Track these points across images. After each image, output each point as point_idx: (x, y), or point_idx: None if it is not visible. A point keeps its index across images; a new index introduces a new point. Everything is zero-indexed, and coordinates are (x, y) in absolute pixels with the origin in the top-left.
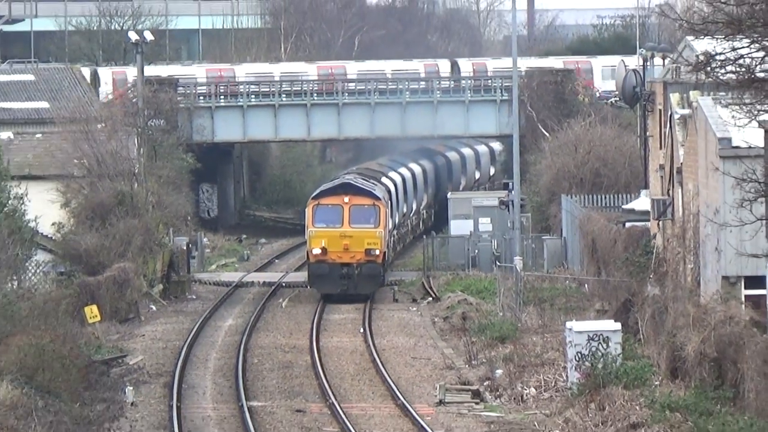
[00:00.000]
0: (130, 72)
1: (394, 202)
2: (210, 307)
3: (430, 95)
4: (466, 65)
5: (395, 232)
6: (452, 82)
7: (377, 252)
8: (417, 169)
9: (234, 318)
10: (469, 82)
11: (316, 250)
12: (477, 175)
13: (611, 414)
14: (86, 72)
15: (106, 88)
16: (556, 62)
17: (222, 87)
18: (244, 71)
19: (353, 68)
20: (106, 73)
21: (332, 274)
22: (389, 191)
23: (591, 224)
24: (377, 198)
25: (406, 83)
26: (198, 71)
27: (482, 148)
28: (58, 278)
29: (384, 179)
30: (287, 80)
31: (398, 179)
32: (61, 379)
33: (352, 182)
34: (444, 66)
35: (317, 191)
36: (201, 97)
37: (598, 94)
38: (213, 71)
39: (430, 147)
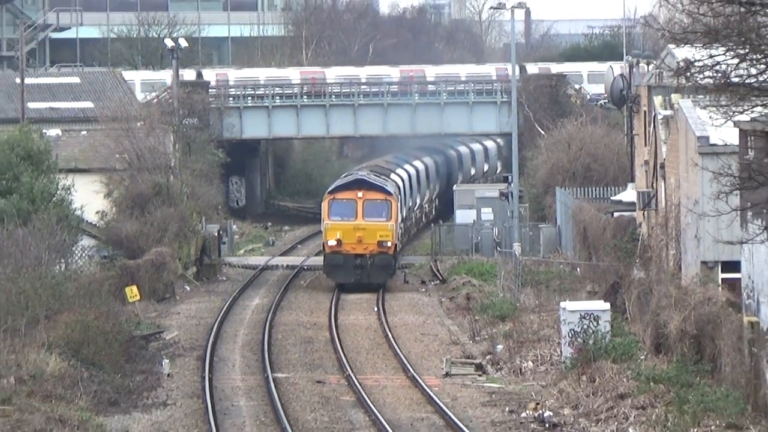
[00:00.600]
0: (232, 74)
1: (402, 196)
2: (239, 287)
3: (437, 97)
4: (532, 68)
5: (402, 224)
6: (456, 86)
7: (389, 244)
8: (421, 165)
9: (260, 298)
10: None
11: (332, 242)
12: (473, 171)
13: (601, 385)
14: (191, 73)
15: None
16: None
17: (308, 87)
18: (334, 74)
19: (432, 71)
20: (210, 75)
21: (347, 264)
22: (398, 186)
23: (582, 214)
24: (389, 193)
25: (415, 86)
26: (293, 74)
27: (478, 147)
28: (102, 261)
29: (393, 175)
30: (373, 83)
31: (405, 175)
32: (104, 352)
33: (365, 178)
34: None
35: (332, 186)
36: (230, 98)
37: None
38: (306, 74)
39: (433, 145)
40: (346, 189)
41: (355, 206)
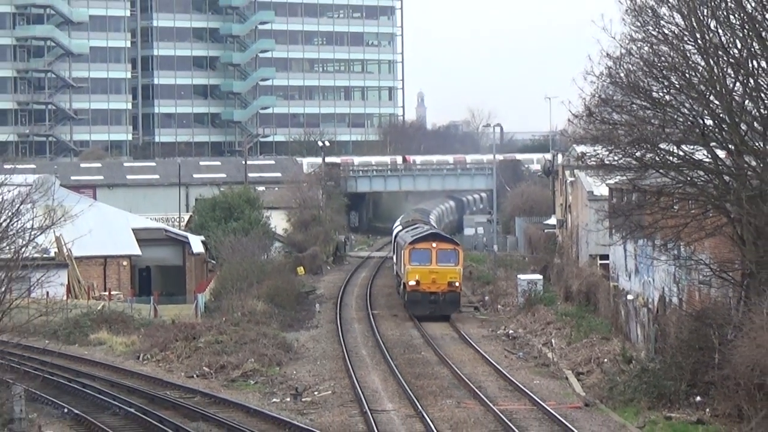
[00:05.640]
0: (353, 159)
1: (440, 221)
2: (354, 268)
3: (455, 172)
4: (504, 157)
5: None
6: (467, 166)
7: (457, 284)
8: (450, 204)
9: (366, 272)
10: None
11: (412, 282)
12: (479, 207)
13: (538, 317)
14: (333, 159)
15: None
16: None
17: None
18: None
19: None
20: (340, 159)
21: (423, 300)
22: (438, 218)
23: (530, 230)
24: (457, 244)
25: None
26: (384, 159)
27: (476, 196)
28: (285, 254)
29: (434, 211)
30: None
31: (441, 209)
32: (286, 300)
33: (438, 233)
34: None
35: (412, 239)
36: (351, 171)
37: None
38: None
39: (453, 195)
40: (423, 241)
41: (431, 254)
